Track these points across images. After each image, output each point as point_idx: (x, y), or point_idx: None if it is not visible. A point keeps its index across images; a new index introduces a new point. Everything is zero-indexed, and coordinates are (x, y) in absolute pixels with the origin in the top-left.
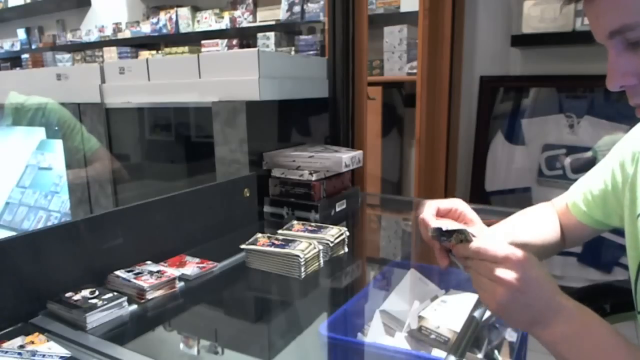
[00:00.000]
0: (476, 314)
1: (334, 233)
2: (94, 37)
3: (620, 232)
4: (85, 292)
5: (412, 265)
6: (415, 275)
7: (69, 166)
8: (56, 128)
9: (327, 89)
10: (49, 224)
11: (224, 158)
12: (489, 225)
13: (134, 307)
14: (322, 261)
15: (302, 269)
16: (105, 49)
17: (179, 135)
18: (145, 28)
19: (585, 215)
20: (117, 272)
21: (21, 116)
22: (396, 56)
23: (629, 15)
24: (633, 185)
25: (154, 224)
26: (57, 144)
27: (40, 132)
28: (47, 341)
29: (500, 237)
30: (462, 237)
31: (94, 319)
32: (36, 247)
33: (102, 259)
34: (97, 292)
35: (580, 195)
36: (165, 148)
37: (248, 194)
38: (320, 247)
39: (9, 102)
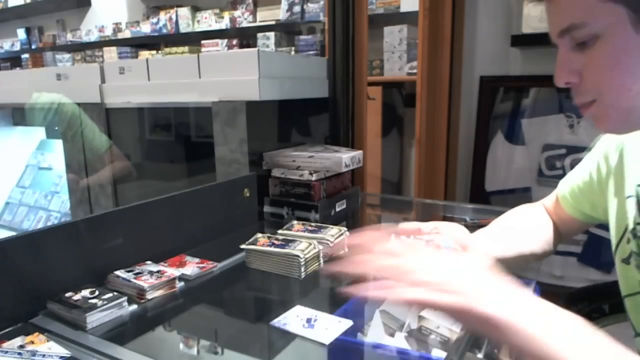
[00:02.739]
0: None
1: (334, 233)
2: (94, 37)
3: None
4: (85, 292)
5: None
6: None
7: (85, 165)
8: (56, 128)
9: (327, 89)
10: (49, 224)
11: (224, 158)
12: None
13: (134, 307)
14: (322, 261)
15: (302, 269)
16: (105, 49)
17: (179, 135)
18: (145, 28)
19: (573, 208)
20: (117, 272)
21: (35, 116)
22: (396, 56)
23: (576, 15)
24: (618, 173)
25: (154, 224)
26: (57, 144)
27: (40, 132)
28: (47, 341)
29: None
30: None
31: (94, 319)
32: (36, 247)
33: (102, 259)
34: (97, 292)
35: (568, 188)
36: (165, 148)
37: (248, 194)
38: (320, 247)
39: (28, 103)
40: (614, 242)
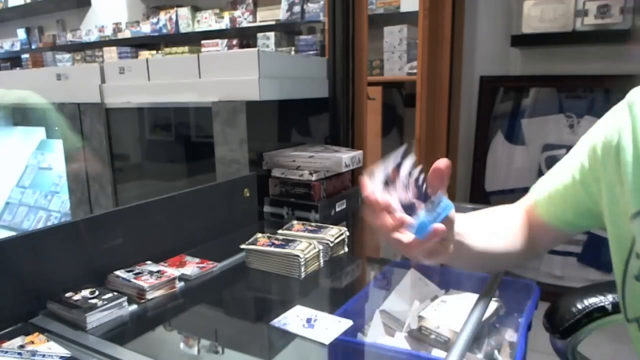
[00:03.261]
0: (476, 314)
1: (334, 233)
2: (94, 37)
3: None
4: (85, 292)
5: (412, 265)
6: (416, 275)
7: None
8: (56, 128)
9: (327, 89)
10: (49, 224)
11: (224, 158)
12: None
13: (134, 307)
14: (322, 261)
15: (302, 269)
16: (105, 49)
17: (179, 135)
18: (145, 28)
19: (552, 215)
20: (117, 272)
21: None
22: (396, 56)
23: None
24: (616, 182)
25: (154, 224)
26: (57, 144)
27: (40, 132)
28: (47, 341)
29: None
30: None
31: (94, 319)
32: (36, 247)
33: (102, 259)
34: (97, 292)
35: (546, 192)
36: (165, 148)
37: (248, 194)
38: (320, 247)
39: None
40: (620, 256)
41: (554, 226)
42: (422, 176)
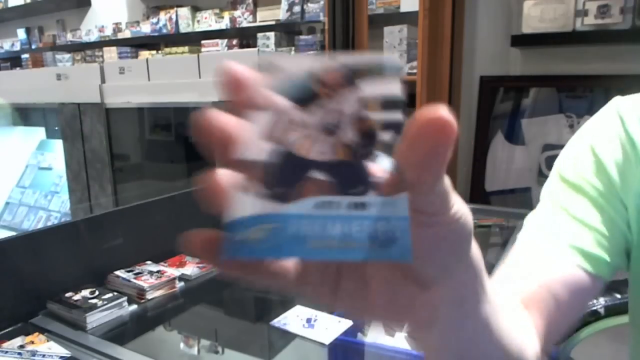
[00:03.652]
0: None
1: None
2: (94, 37)
3: None
4: (85, 292)
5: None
6: None
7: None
8: (56, 128)
9: None
10: (49, 224)
11: None
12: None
13: (134, 307)
14: None
15: None
16: (105, 49)
17: (179, 135)
18: (145, 28)
19: (606, 265)
20: (117, 272)
21: None
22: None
23: None
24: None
25: (154, 224)
26: (57, 144)
27: (40, 132)
28: (47, 341)
29: None
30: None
31: (94, 319)
32: (36, 247)
33: (102, 259)
34: (97, 292)
35: (585, 239)
36: (165, 148)
37: None
38: None
39: None
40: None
41: (603, 277)
42: (389, 134)
